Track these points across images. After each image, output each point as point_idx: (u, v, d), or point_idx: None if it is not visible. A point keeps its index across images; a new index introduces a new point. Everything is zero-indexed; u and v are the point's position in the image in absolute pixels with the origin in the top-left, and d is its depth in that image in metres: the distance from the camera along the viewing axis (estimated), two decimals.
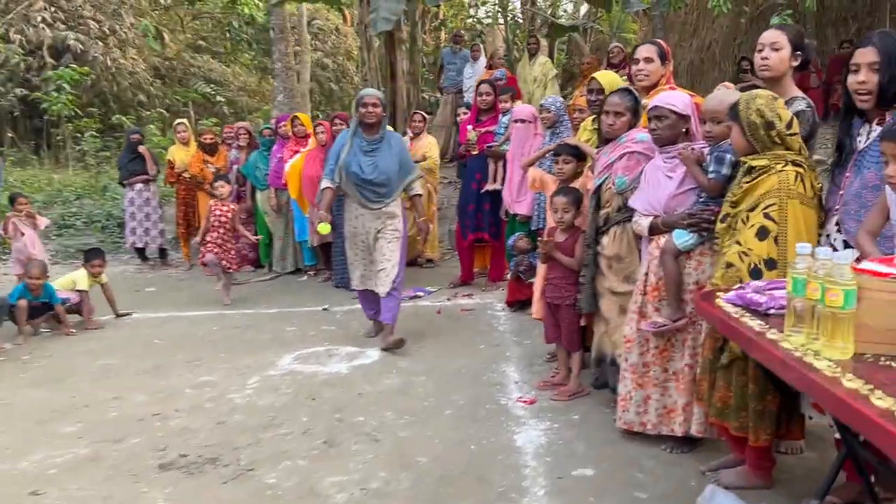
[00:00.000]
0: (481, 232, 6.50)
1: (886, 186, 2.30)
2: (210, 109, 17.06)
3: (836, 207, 2.75)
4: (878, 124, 2.65)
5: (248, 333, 5.56)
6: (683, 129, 3.30)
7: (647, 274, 3.32)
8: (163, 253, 8.88)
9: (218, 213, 6.68)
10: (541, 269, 4.24)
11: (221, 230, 6.62)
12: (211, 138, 8.32)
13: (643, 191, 3.34)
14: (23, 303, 5.46)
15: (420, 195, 5.11)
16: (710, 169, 3.08)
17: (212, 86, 17.54)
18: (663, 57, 3.82)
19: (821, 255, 1.82)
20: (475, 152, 6.37)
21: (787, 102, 2.97)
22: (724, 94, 3.10)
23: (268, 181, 7.64)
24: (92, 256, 6.18)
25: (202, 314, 6.27)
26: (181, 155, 8.44)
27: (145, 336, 5.56)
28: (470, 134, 6.46)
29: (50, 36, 15.72)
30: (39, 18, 15.58)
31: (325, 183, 4.85)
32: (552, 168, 4.58)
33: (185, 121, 8.88)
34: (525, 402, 3.92)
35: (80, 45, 16.07)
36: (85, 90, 16.02)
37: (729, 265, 2.73)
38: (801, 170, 2.70)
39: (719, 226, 2.89)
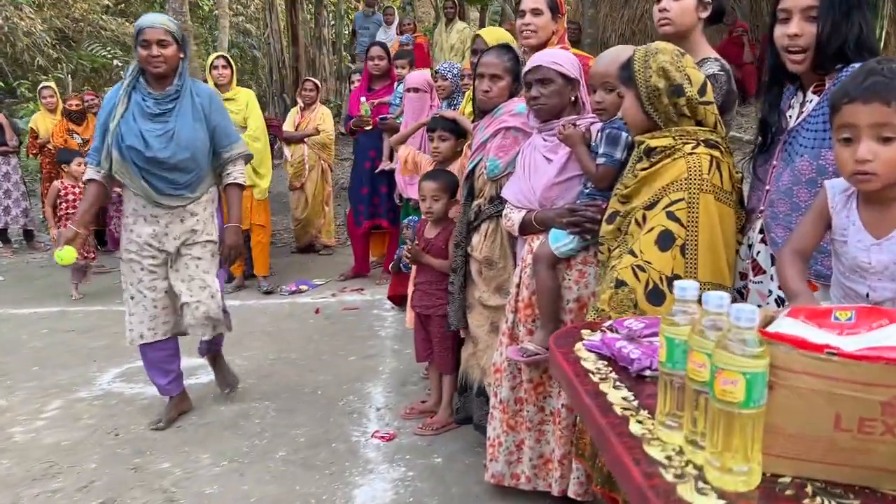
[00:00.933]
0: (378, 218, 5.67)
1: (826, 183, 1.56)
2: (114, 75, 15.69)
3: (761, 208, 2.02)
4: (814, 93, 1.92)
5: (82, 339, 4.64)
6: (571, 98, 2.54)
7: (519, 286, 2.56)
8: (28, 235, 7.82)
9: (71, 197, 5.71)
10: (414, 270, 3.45)
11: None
12: (77, 105, 7.24)
13: (517, 177, 2.56)
14: None
15: (241, 185, 3.30)
16: (600, 151, 2.31)
17: (115, 49, 16.15)
18: (555, 9, 3.02)
19: (712, 305, 1.06)
20: (368, 127, 5.52)
21: (696, 64, 2.23)
22: (620, 50, 2.32)
23: None
24: None
25: (41, 311, 5.31)
26: (46, 123, 7.37)
27: None
28: (363, 106, 5.60)
29: None
30: None
31: (89, 173, 3.16)
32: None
33: (51, 84, 7.78)
34: (382, 437, 3.14)
35: None
36: None
37: (620, 284, 1.96)
38: (716, 153, 1.95)
39: (605, 228, 2.13)
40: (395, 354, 4.17)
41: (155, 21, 3.00)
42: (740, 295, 2.09)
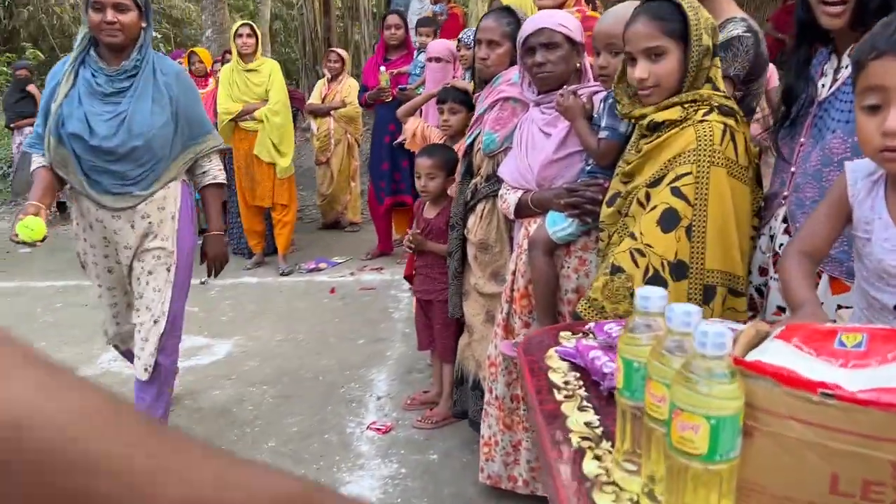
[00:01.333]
0: (401, 195, 5.45)
1: (847, 165, 1.27)
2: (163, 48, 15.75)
3: (784, 193, 1.74)
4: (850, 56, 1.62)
5: (93, 313, 4.54)
6: (577, 66, 2.27)
7: (514, 274, 2.32)
8: (62, 206, 7.83)
9: None
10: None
11: None
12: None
13: (513, 154, 2.31)
14: None
15: (220, 184, 2.73)
16: (603, 124, 2.05)
17: (164, 25, 16.23)
18: None
19: (677, 321, 0.81)
20: (388, 99, 5.28)
21: (720, 26, 1.95)
22: (626, 8, 2.04)
23: None
24: None
25: (58, 284, 5.28)
26: None
27: None
28: (382, 76, 5.36)
29: None
30: None
31: (35, 161, 2.53)
32: None
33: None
34: (378, 430, 2.96)
35: None
36: (23, 24, 14.74)
37: (616, 270, 1.71)
38: (731, 122, 1.68)
39: (605, 211, 1.88)
40: (405, 339, 3.97)
41: None
42: (759, 293, 1.82)
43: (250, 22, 5.13)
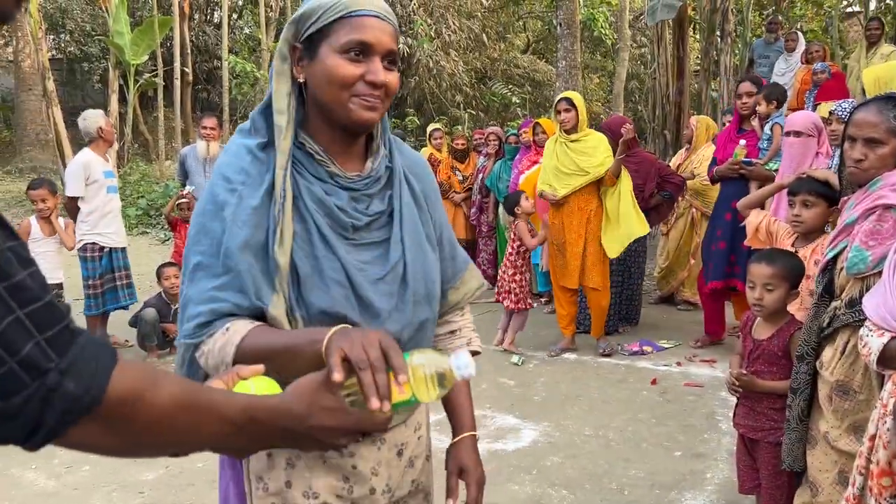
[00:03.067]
0: (734, 279, 4.86)
1: None
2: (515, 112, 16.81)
3: None
4: None
5: None
6: None
7: (874, 438, 1.77)
8: None
9: None
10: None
11: None
12: (462, 144, 7.77)
13: (884, 284, 1.78)
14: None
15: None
16: None
17: (524, 86, 17.32)
18: None
19: None
20: (745, 173, 4.73)
21: None
22: None
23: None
24: None
25: None
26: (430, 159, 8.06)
27: None
28: (738, 149, 4.84)
29: None
30: None
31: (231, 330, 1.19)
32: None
33: (439, 126, 8.45)
34: None
35: (407, 48, 17.00)
36: (410, 92, 16.95)
37: None
38: None
39: None
40: (732, 460, 3.41)
41: (382, 7, 1.23)
42: None
43: (569, 95, 4.95)
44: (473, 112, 16.76)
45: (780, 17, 9.50)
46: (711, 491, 3.13)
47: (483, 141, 7.56)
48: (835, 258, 2.13)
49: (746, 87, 4.73)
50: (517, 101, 15.89)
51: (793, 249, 2.66)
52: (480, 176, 7.35)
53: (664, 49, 8.45)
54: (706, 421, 3.91)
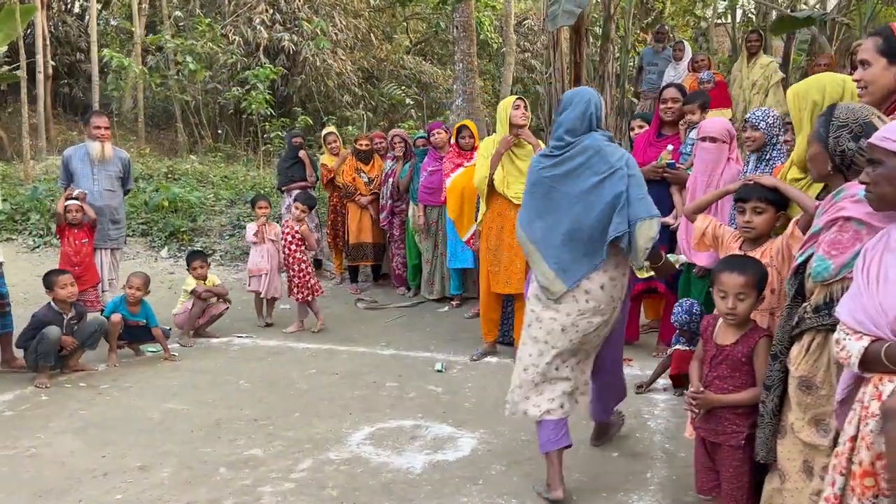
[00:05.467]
0: (654, 280, 5.01)
1: None
2: (406, 112, 16.75)
3: None
4: None
5: (342, 385, 4.65)
6: None
7: (856, 440, 1.83)
8: (318, 263, 8.39)
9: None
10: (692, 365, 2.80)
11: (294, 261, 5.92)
12: (365, 145, 7.60)
13: (857, 289, 1.84)
14: (116, 317, 5.00)
15: None
16: None
17: (412, 87, 17.29)
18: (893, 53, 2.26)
19: None
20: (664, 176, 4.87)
21: None
22: None
23: (418, 198, 6.73)
24: (190, 259, 5.80)
25: (312, 348, 5.51)
26: (332, 163, 7.83)
27: (235, 374, 4.88)
28: (664, 153, 4.96)
29: (266, 37, 16.31)
30: (258, 20, 16.21)
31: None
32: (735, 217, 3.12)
33: (333, 129, 8.23)
34: None
35: (294, 46, 16.53)
36: (296, 90, 16.50)
37: None
38: None
39: None
40: (668, 459, 3.50)
41: None
42: None
43: (522, 97, 4.98)
44: (363, 112, 16.53)
45: (666, 27, 9.97)
46: (655, 490, 3.19)
47: (388, 144, 7.44)
48: (803, 263, 2.20)
49: (672, 93, 4.89)
50: (411, 103, 15.81)
51: (741, 253, 2.75)
52: (390, 180, 7.21)
53: (560, 55, 8.63)
54: (635, 420, 3.99)
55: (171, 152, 15.46)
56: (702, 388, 2.53)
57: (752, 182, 2.79)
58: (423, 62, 20.28)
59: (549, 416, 2.99)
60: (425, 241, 6.82)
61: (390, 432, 3.85)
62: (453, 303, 6.68)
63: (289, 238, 5.93)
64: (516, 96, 5.02)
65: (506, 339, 5.24)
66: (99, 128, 5.48)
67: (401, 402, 4.31)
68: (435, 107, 17.20)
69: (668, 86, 5.06)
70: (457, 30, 9.91)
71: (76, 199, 5.30)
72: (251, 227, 6.25)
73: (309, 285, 5.91)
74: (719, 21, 14.99)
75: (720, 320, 2.59)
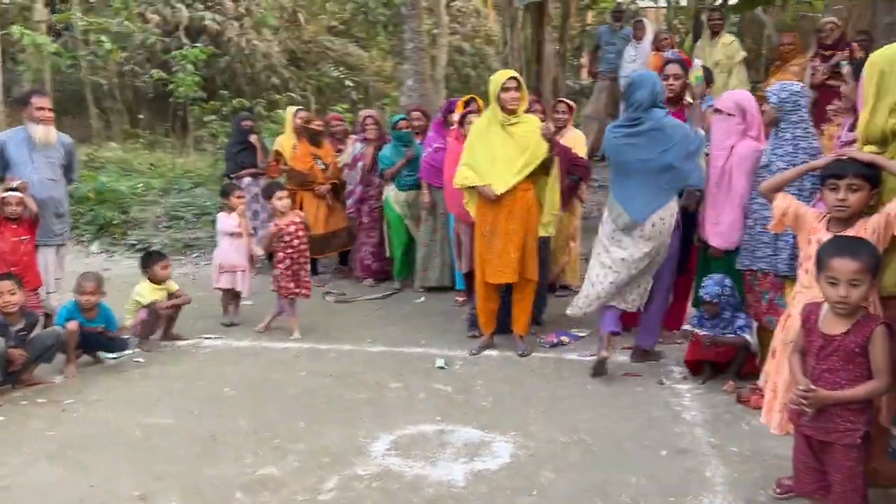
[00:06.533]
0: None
1: None
2: (340, 95, 16.15)
3: None
4: None
5: (340, 387, 4.24)
6: None
7: None
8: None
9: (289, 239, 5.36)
10: (788, 363, 2.58)
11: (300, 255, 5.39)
12: (319, 125, 7.08)
13: None
14: (72, 325, 4.40)
15: None
16: None
17: (341, 69, 16.71)
18: None
19: None
20: None
21: None
22: None
23: (419, 175, 6.21)
24: (150, 261, 5.11)
25: (294, 348, 5.05)
26: (291, 147, 7.26)
27: (214, 379, 4.39)
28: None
29: (187, 16, 15.37)
30: None
31: None
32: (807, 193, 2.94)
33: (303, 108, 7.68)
34: None
35: (217, 26, 15.65)
36: (219, 72, 15.63)
37: None
38: None
39: None
40: (721, 454, 3.28)
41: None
42: None
43: (513, 74, 4.59)
44: (295, 94, 15.80)
45: (624, 7, 9.88)
46: (724, 491, 2.96)
47: (360, 126, 6.93)
48: None
49: (675, 69, 4.67)
50: (350, 84, 15.24)
51: (830, 234, 2.54)
52: (360, 164, 6.73)
53: (517, 34, 8.38)
54: (666, 412, 3.79)
55: (84, 139, 14.33)
56: (811, 386, 2.31)
57: (845, 157, 2.58)
58: (349, 45, 19.66)
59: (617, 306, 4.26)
60: (425, 223, 6.30)
61: (414, 440, 3.50)
62: (458, 299, 6.08)
63: (299, 232, 5.35)
64: (509, 74, 4.65)
65: (503, 329, 4.93)
66: (42, 109, 4.81)
67: (412, 405, 3.96)
68: (372, 91, 16.69)
69: (670, 61, 4.84)
70: (405, 7, 9.49)
71: (16, 189, 4.62)
72: (228, 219, 5.66)
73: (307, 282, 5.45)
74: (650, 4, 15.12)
75: (824, 307, 2.37)
